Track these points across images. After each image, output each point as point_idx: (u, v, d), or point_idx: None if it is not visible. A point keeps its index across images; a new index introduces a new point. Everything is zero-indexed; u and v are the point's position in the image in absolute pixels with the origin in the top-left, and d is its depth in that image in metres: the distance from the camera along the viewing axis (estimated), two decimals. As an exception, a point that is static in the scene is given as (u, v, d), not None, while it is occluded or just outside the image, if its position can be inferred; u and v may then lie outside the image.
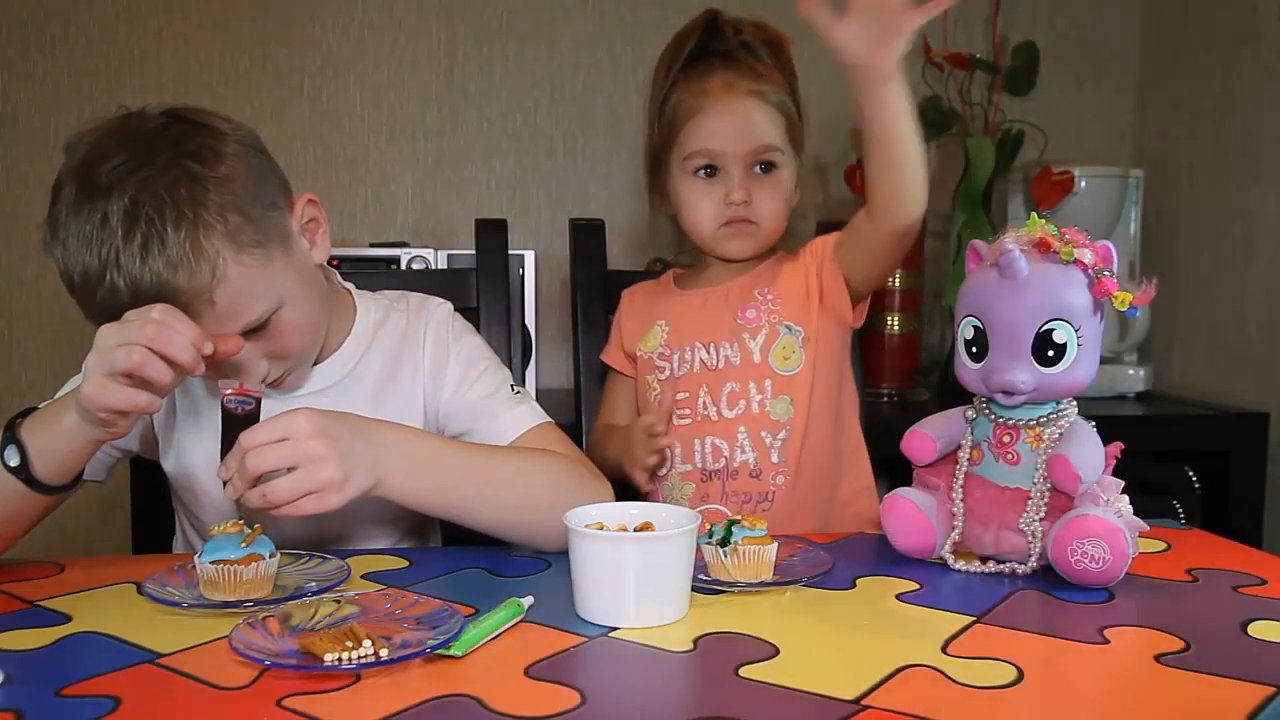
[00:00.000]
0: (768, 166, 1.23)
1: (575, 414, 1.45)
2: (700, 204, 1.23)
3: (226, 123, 0.98)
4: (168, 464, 1.10)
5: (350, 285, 1.17)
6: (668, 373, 1.28)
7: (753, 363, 1.23)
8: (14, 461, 0.90)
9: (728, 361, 1.23)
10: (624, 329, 1.35)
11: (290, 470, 0.86)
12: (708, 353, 1.25)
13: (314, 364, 1.09)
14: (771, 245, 1.28)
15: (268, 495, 0.86)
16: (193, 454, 1.08)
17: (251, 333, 0.95)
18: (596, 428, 1.38)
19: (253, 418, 0.92)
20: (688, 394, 1.25)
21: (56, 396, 0.97)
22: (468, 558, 0.99)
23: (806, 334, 1.23)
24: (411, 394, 1.11)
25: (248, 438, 0.86)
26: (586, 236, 1.48)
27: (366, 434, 0.91)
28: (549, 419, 1.11)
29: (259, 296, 0.95)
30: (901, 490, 0.99)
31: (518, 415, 1.09)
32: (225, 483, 0.88)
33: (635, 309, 1.36)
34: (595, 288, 1.46)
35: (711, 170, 1.23)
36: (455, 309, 1.18)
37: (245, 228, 0.93)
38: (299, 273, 1.00)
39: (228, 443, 0.90)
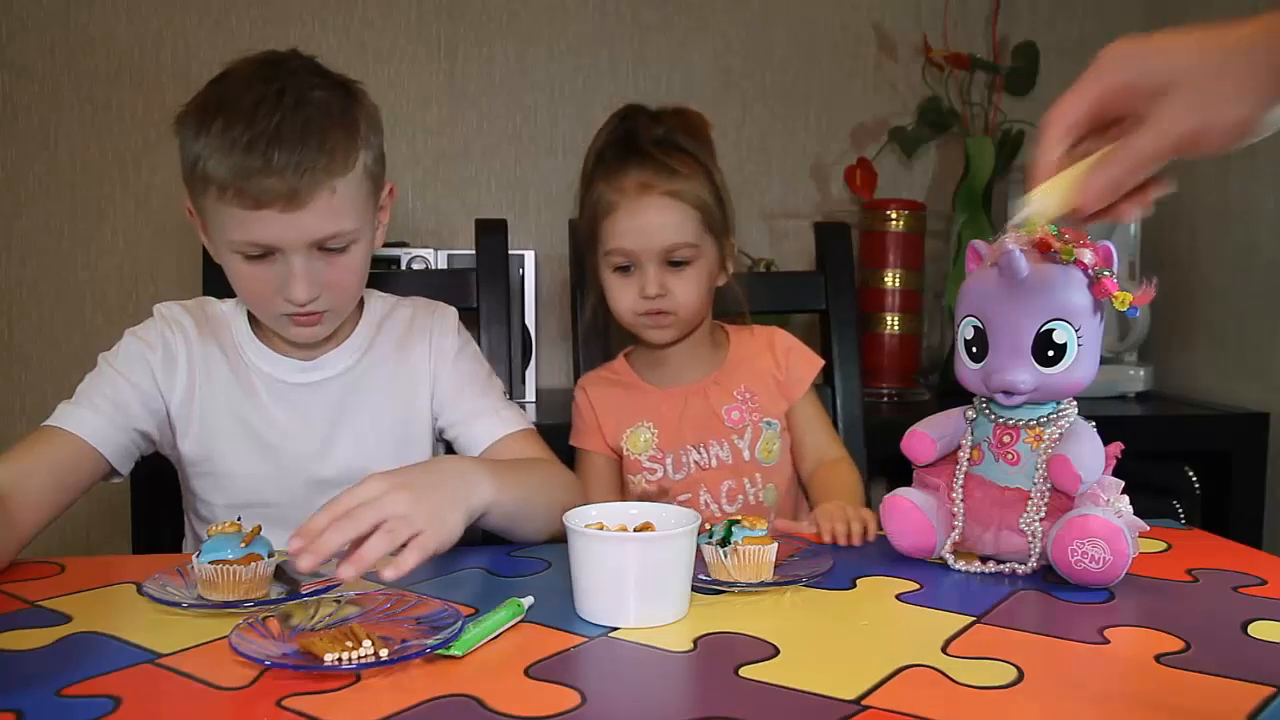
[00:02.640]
0: (681, 262, 1.25)
1: (574, 414, 1.45)
2: (620, 296, 1.28)
3: None
4: (186, 447, 1.11)
5: None
6: (660, 474, 1.30)
7: (743, 460, 1.30)
8: None
9: (719, 461, 1.30)
10: (604, 424, 1.33)
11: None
12: (699, 454, 1.30)
13: (326, 351, 1.14)
14: (694, 328, 1.31)
15: (363, 557, 0.78)
16: (215, 433, 1.10)
17: (325, 251, 1.02)
18: None
19: None
20: (689, 495, 1.29)
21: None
22: (468, 558, 0.99)
23: (781, 424, 1.32)
24: (420, 376, 1.16)
25: (322, 514, 0.80)
26: (586, 236, 1.48)
27: (434, 472, 0.90)
28: (532, 426, 1.17)
29: (354, 215, 1.03)
30: (901, 490, 0.99)
31: (504, 419, 1.15)
32: (294, 558, 0.78)
33: (608, 405, 1.34)
34: (595, 288, 1.46)
35: (627, 266, 1.26)
36: (455, 309, 1.24)
37: (371, 158, 1.05)
38: (372, 231, 1.09)
39: None
